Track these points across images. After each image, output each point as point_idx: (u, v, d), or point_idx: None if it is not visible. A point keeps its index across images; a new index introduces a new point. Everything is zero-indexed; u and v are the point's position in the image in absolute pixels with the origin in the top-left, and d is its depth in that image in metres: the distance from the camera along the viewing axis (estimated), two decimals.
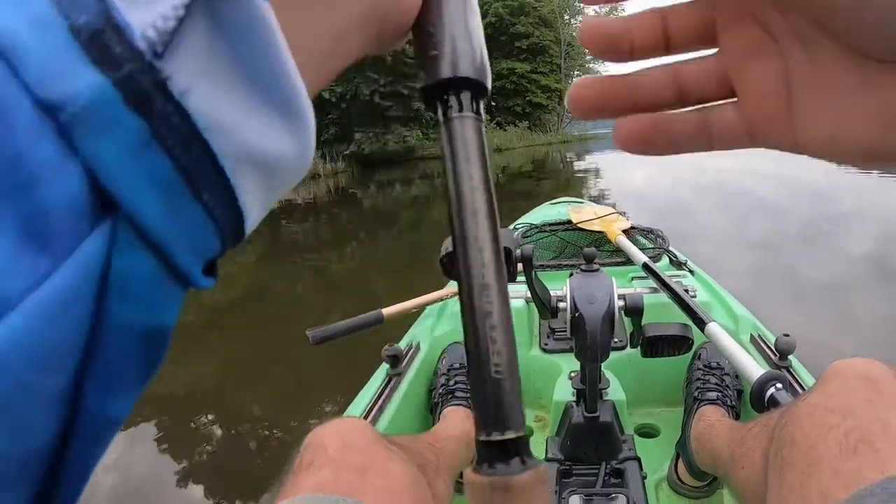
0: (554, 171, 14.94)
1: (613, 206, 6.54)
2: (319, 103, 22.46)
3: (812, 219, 5.66)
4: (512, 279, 0.87)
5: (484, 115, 0.24)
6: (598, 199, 7.47)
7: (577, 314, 0.85)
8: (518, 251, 0.87)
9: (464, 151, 0.22)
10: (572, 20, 37.40)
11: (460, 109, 0.23)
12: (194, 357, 3.67)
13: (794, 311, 2.98)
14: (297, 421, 2.54)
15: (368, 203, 12.55)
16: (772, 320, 1.51)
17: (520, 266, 0.88)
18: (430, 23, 0.24)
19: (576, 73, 38.03)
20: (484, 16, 31.31)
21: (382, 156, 24.07)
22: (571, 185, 10.61)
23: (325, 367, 2.91)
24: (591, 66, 39.39)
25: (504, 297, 0.21)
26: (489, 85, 0.24)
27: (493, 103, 34.23)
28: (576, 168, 14.94)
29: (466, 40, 0.24)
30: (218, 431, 2.55)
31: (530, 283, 0.91)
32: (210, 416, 2.68)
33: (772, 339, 1.17)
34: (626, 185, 10.35)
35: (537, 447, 1.18)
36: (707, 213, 6.38)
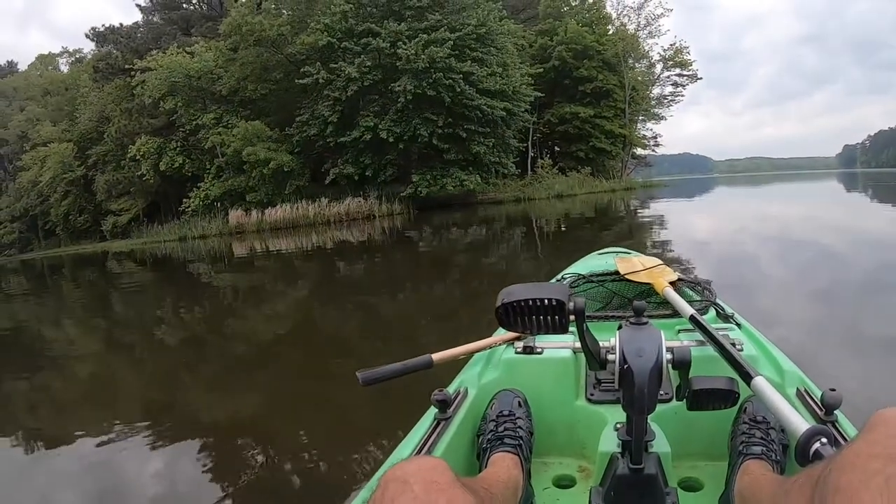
0: (616, 219, 14.71)
1: (679, 256, 6.46)
2: (379, 143, 22.60)
3: (876, 269, 5.45)
4: (563, 331, 0.94)
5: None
6: (662, 249, 7.37)
7: (625, 367, 0.88)
8: (571, 304, 0.92)
9: None
10: (636, 65, 36.96)
11: None
12: (241, 386, 3.82)
13: (850, 364, 2.86)
14: (341, 454, 2.55)
15: (423, 246, 12.49)
16: (824, 374, 1.45)
17: (571, 317, 0.93)
18: None
19: (640, 118, 37.48)
20: (547, 59, 31.08)
21: (440, 198, 23.62)
22: (634, 233, 10.43)
23: (366, 404, 2.94)
24: (655, 111, 38.84)
25: None
26: None
27: (557, 148, 33.85)
28: (639, 216, 14.62)
29: None
30: (258, 459, 2.60)
31: (581, 336, 0.94)
32: (251, 445, 2.75)
33: (818, 393, 1.17)
34: (689, 234, 10.12)
35: (580, 497, 1.20)
36: (768, 263, 6.21)
